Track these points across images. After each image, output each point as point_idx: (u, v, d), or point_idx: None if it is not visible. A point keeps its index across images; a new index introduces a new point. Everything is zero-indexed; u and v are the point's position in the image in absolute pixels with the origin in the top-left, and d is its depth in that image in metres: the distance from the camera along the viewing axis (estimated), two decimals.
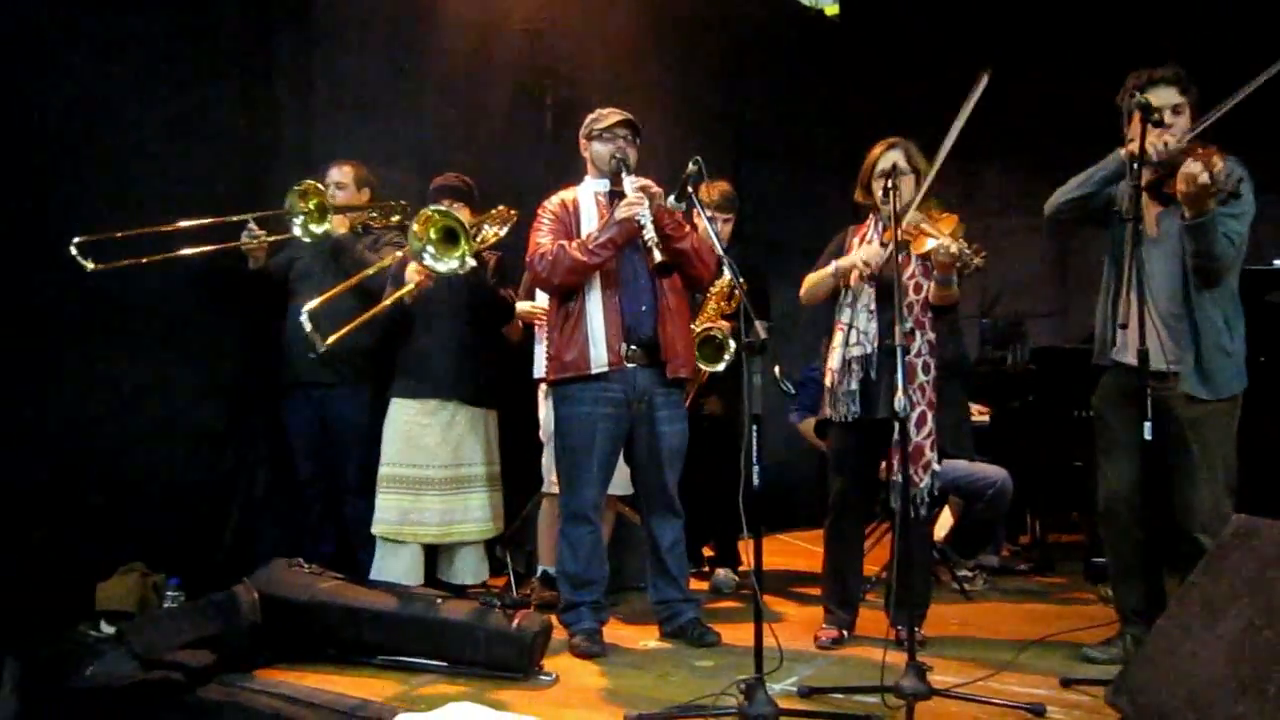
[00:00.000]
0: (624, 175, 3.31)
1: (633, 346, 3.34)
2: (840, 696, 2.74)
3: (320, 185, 3.80)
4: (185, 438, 3.86)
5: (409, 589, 3.30)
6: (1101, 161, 3.07)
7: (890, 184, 2.97)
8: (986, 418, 4.73)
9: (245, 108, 4.09)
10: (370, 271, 3.72)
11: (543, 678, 2.96)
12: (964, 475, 4.20)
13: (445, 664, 3.00)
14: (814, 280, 3.42)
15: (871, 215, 3.42)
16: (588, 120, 3.47)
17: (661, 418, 3.39)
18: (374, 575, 3.68)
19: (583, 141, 3.49)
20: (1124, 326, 2.64)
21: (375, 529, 3.70)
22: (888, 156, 3.31)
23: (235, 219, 3.79)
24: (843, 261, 3.32)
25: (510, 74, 4.99)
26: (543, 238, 3.36)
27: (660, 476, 3.41)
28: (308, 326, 3.47)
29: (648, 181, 3.29)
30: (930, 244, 3.07)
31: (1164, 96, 2.96)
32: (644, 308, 3.36)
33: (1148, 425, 2.62)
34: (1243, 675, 1.81)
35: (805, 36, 6.75)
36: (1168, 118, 2.95)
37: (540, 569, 4.05)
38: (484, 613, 2.99)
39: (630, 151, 3.39)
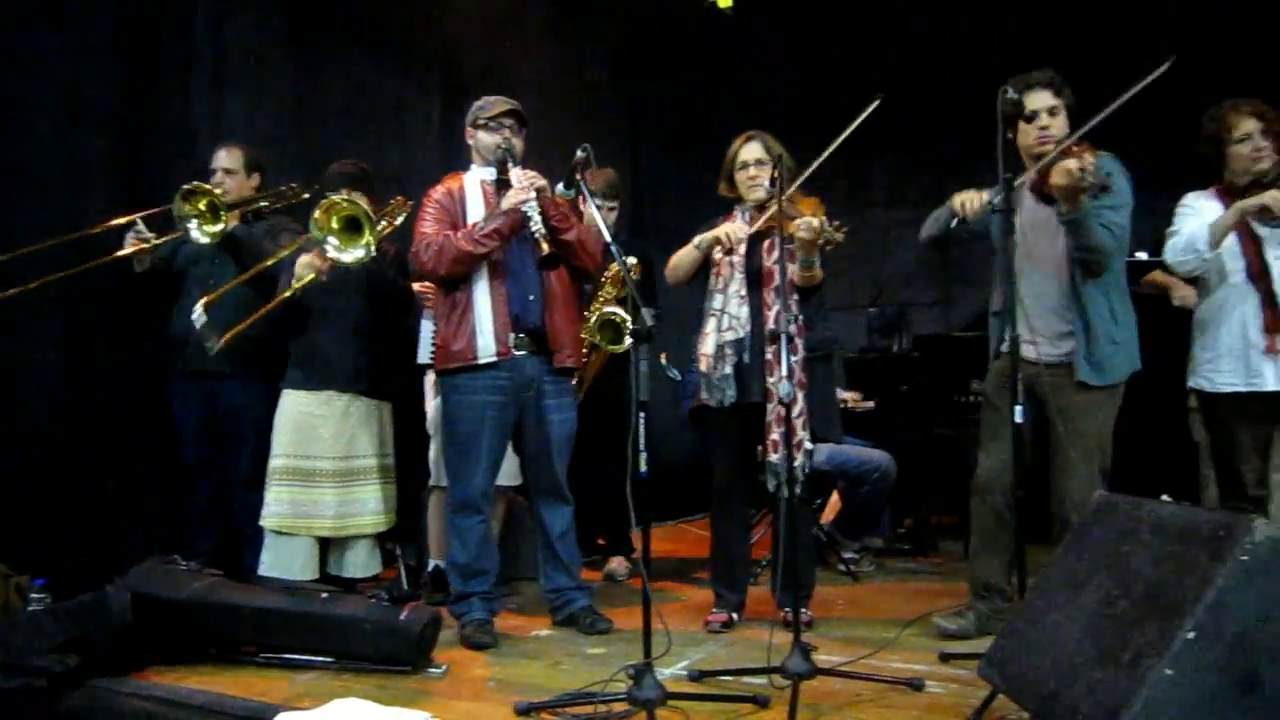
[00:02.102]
0: (510, 165, 3.29)
1: (521, 335, 3.33)
2: (729, 678, 2.78)
3: (206, 185, 3.64)
4: (52, 430, 3.67)
5: (291, 584, 3.23)
6: (938, 211, 3.22)
7: (776, 173, 3.01)
8: (870, 404, 4.86)
9: (126, 87, 3.91)
10: (269, 263, 3.62)
11: (432, 670, 2.92)
12: (849, 460, 4.32)
13: (332, 659, 2.94)
14: (677, 258, 3.47)
15: (736, 207, 3.48)
16: (474, 108, 3.43)
17: (550, 406, 3.38)
18: (264, 570, 3.58)
19: (469, 130, 3.45)
20: (996, 314, 2.76)
21: (266, 521, 3.60)
22: (748, 149, 3.39)
23: (122, 220, 3.62)
24: (706, 235, 3.38)
25: (401, 57, 4.89)
26: (428, 227, 3.33)
27: (549, 465, 3.41)
28: (201, 321, 3.35)
29: (534, 173, 3.28)
30: (797, 222, 3.14)
31: (1040, 99, 3.08)
32: (531, 297, 3.35)
33: (1019, 409, 2.73)
34: (1100, 644, 1.91)
35: (702, 23, 6.80)
36: (1044, 119, 3.08)
37: (431, 564, 4.00)
38: (371, 606, 2.93)
39: (517, 141, 3.37)
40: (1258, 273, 3.11)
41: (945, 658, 2.93)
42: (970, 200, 3.01)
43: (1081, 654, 1.94)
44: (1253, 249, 3.12)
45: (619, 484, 3.15)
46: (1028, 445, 2.90)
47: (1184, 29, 5.04)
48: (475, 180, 3.43)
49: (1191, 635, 1.72)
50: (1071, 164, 2.81)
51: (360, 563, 3.73)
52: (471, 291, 3.31)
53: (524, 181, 3.24)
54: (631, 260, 3.95)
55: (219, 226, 3.60)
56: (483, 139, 3.40)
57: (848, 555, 4.39)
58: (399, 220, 3.78)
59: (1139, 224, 5.34)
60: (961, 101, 2.86)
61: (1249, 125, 3.12)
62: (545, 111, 4.12)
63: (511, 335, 3.31)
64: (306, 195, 3.80)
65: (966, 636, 3.09)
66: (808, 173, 3.25)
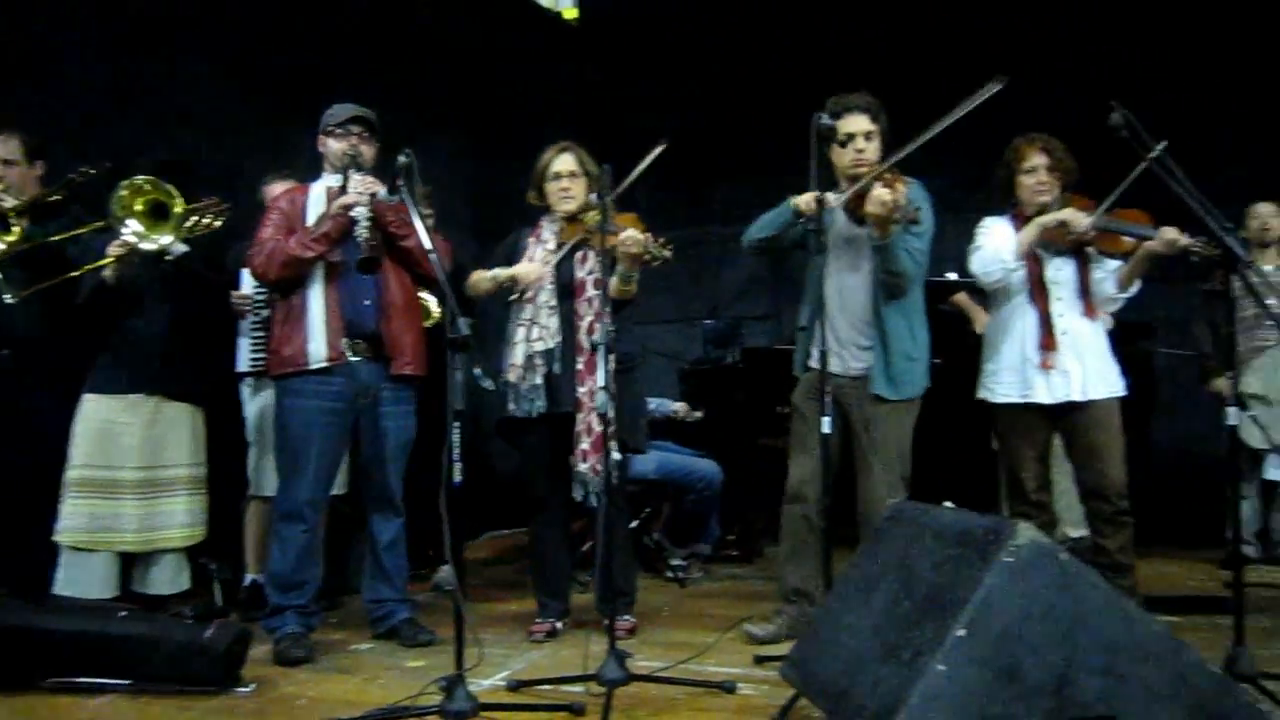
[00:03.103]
0: (352, 171, 3.25)
1: (357, 341, 3.27)
2: (548, 688, 2.79)
3: None
4: None
5: (81, 602, 3.04)
6: (777, 209, 3.29)
7: (600, 188, 3.03)
8: (699, 414, 4.97)
9: None
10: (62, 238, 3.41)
11: (239, 690, 2.81)
12: (677, 469, 4.42)
13: (129, 682, 2.78)
14: (475, 279, 3.47)
15: (544, 217, 3.51)
16: (324, 116, 3.38)
17: (386, 413, 3.34)
18: (59, 588, 3.36)
19: (320, 138, 3.39)
20: (802, 329, 2.88)
21: (60, 537, 3.38)
22: (561, 160, 3.44)
23: None
24: (502, 272, 3.41)
25: (222, 50, 4.69)
26: (265, 232, 3.28)
27: (382, 473, 3.36)
28: None
29: (372, 179, 3.24)
30: (621, 235, 3.18)
31: (856, 124, 3.23)
32: (367, 302, 3.30)
33: (826, 420, 2.86)
34: (886, 643, 2.02)
35: (547, 35, 6.81)
36: (859, 143, 3.23)
37: (248, 578, 3.85)
38: (171, 625, 2.81)
39: (365, 148, 3.33)
40: (1037, 293, 3.34)
41: (760, 660, 3.02)
42: (810, 201, 3.06)
43: (869, 653, 2.04)
44: (1035, 270, 3.36)
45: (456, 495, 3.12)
46: (835, 455, 3.03)
47: (1009, 55, 5.37)
48: (321, 187, 3.38)
49: (962, 633, 1.84)
50: (885, 195, 2.96)
51: (167, 579, 3.56)
52: (305, 296, 3.26)
53: (358, 186, 3.20)
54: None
55: (11, 237, 3.36)
56: (331, 146, 3.36)
57: (675, 562, 4.48)
58: (217, 223, 3.62)
59: (952, 244, 5.72)
60: (800, 122, 2.96)
61: (1036, 159, 3.34)
62: (406, 124, 4.02)
63: (344, 340, 3.25)
64: (93, 171, 3.53)
65: (775, 641, 3.19)
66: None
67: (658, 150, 3.01)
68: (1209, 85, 5.43)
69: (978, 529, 2.00)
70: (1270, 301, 4.03)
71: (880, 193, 2.99)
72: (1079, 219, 3.24)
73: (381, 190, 3.17)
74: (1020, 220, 3.39)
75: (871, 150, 3.22)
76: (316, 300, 3.26)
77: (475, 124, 6.34)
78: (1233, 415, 2.69)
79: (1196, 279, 4.35)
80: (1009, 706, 1.84)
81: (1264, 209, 4.70)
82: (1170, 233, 3.12)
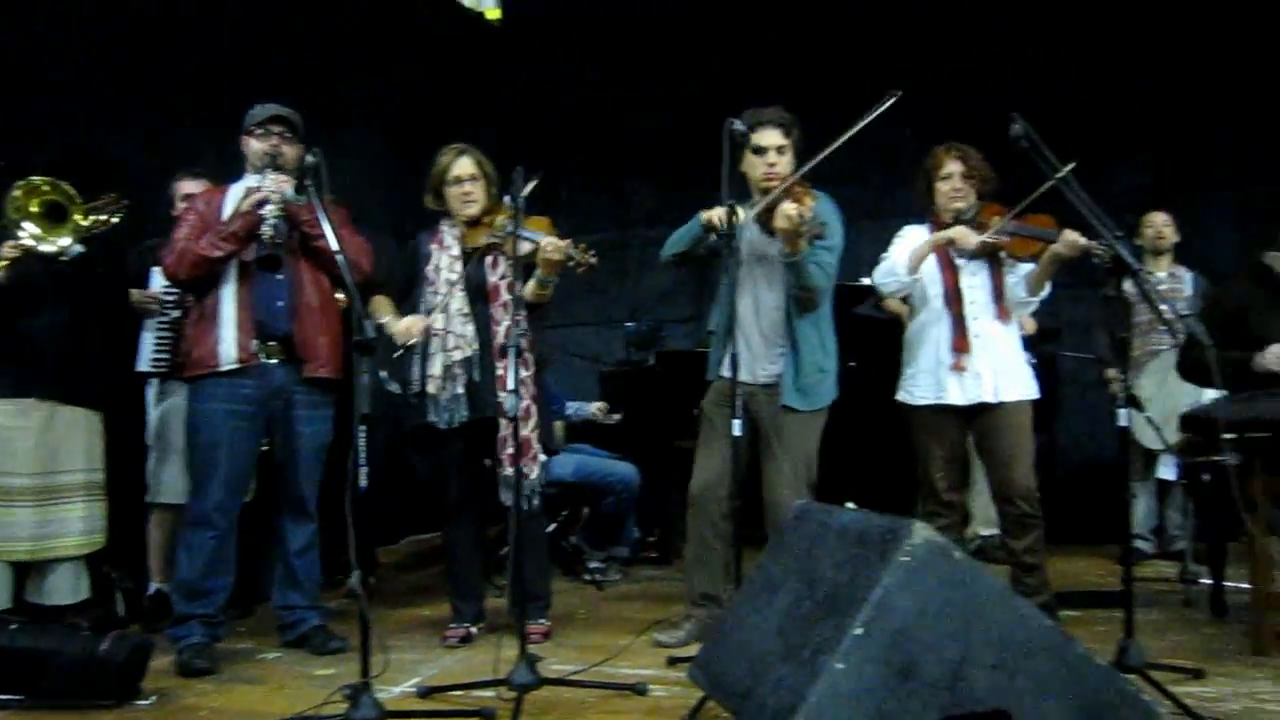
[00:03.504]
0: (268, 171, 3.20)
1: (271, 343, 3.21)
2: (459, 693, 2.77)
3: None
4: None
5: None
6: (688, 224, 3.33)
7: (514, 195, 3.00)
8: (616, 417, 4.99)
9: None
10: None
11: (139, 702, 2.73)
12: (595, 471, 4.43)
13: (21, 698, 2.68)
14: (380, 307, 3.40)
15: (444, 220, 3.49)
16: (246, 116, 3.32)
17: (299, 417, 3.28)
18: None
19: (242, 137, 3.33)
20: (710, 332, 2.91)
21: None
22: (460, 164, 3.41)
23: None
24: (390, 325, 3.34)
25: (133, 45, 4.55)
26: (179, 231, 3.23)
27: (295, 478, 3.31)
28: None
29: (285, 178, 3.20)
30: (531, 244, 3.19)
31: (769, 137, 3.27)
32: (280, 303, 3.24)
33: (737, 423, 2.89)
34: (788, 642, 2.05)
35: (469, 35, 6.76)
36: (771, 157, 3.27)
37: (152, 587, 3.74)
38: (66, 637, 2.71)
39: (288, 149, 3.27)
40: (952, 297, 3.43)
41: (672, 662, 3.04)
42: (719, 215, 3.11)
43: (772, 653, 2.07)
44: (950, 276, 3.44)
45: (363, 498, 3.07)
46: (743, 459, 3.05)
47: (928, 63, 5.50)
48: (240, 188, 3.31)
49: (860, 631, 1.87)
50: (792, 210, 3.00)
51: (65, 588, 3.42)
52: (218, 297, 3.22)
53: (270, 185, 3.16)
54: None
55: None
56: (252, 146, 3.30)
57: (593, 565, 4.48)
58: (115, 219, 3.52)
59: (869, 250, 5.84)
60: (721, 126, 2.98)
61: (952, 166, 3.43)
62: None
63: (255, 342, 3.19)
64: None
65: (683, 646, 3.21)
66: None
67: (530, 185, 2.99)
68: (1114, 93, 5.64)
69: (876, 529, 2.04)
70: (1163, 307, 4.19)
71: (787, 207, 3.03)
72: (967, 238, 3.30)
73: (290, 190, 3.12)
74: (937, 226, 3.47)
75: (783, 164, 3.27)
76: (229, 301, 3.21)
77: (396, 124, 6.26)
78: (1123, 416, 2.79)
79: (1097, 285, 4.51)
80: (905, 702, 1.88)
81: (1159, 218, 4.88)
82: (1071, 235, 3.21)
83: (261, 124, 3.28)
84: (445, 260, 3.40)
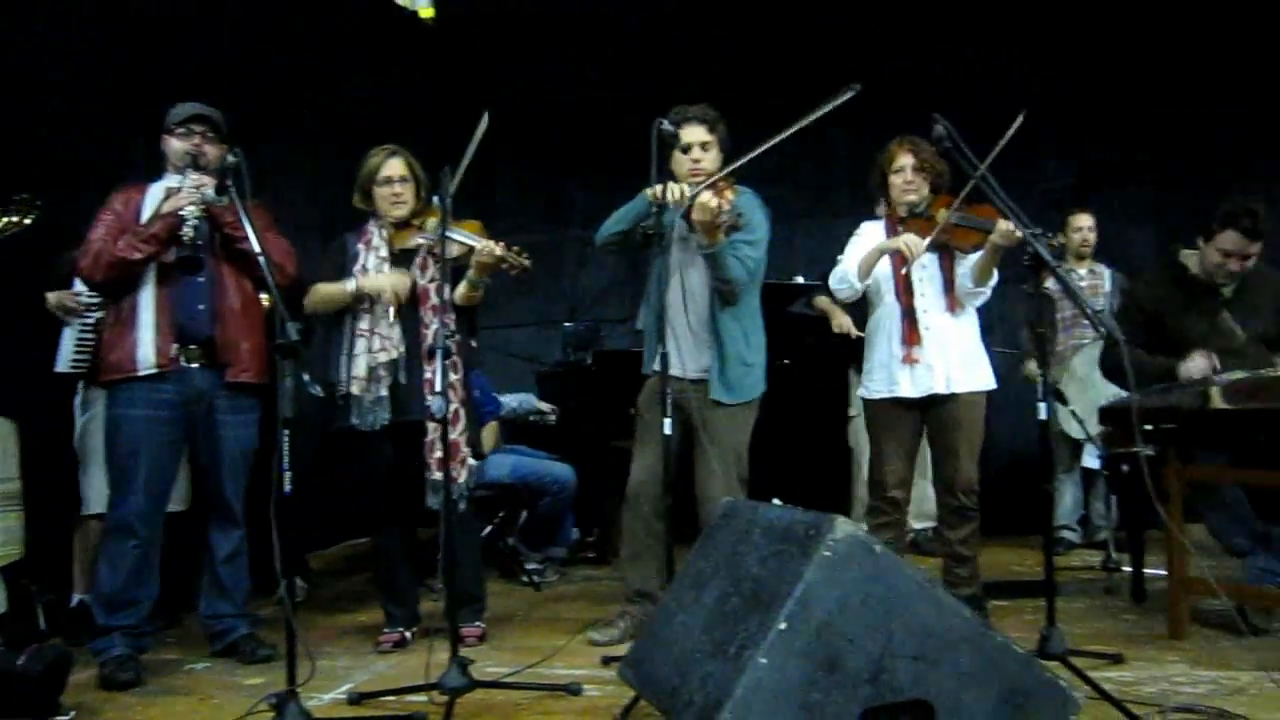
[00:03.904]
0: (189, 171, 3.14)
1: (191, 347, 3.15)
2: (391, 699, 2.74)
3: None
4: None
5: None
6: (631, 202, 3.33)
7: (441, 196, 2.98)
8: (552, 417, 4.98)
9: None
10: None
11: (59, 717, 2.66)
12: (531, 472, 4.41)
13: None
14: (326, 293, 3.37)
15: (372, 221, 3.45)
16: (168, 114, 3.26)
17: (222, 422, 3.22)
18: None
19: (162, 136, 3.26)
20: (639, 331, 2.92)
21: None
22: (390, 164, 3.39)
23: None
24: (369, 283, 3.31)
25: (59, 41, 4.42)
26: (94, 233, 3.14)
27: (219, 484, 3.25)
28: None
29: (206, 179, 3.13)
30: (463, 247, 3.18)
31: (694, 134, 3.28)
32: (201, 306, 3.18)
33: (667, 421, 2.90)
34: (715, 639, 2.06)
35: (402, 34, 6.69)
36: (696, 153, 3.28)
37: (76, 599, 3.65)
38: None
39: (210, 149, 3.22)
40: (902, 290, 3.46)
41: (607, 661, 3.04)
42: (663, 189, 3.09)
43: (700, 649, 2.09)
44: (901, 268, 3.48)
45: (298, 505, 3.03)
46: (674, 455, 3.06)
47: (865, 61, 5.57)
48: (160, 188, 3.24)
49: (783, 626, 1.90)
50: (710, 201, 3.02)
51: None
52: (136, 300, 3.14)
53: (191, 186, 3.10)
54: None
55: None
56: (173, 145, 3.24)
57: (531, 566, 4.47)
58: (27, 220, 3.42)
59: (803, 250, 5.90)
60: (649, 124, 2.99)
61: (904, 160, 3.45)
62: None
63: (175, 346, 3.13)
64: None
65: (617, 644, 3.21)
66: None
67: (482, 127, 2.95)
68: (1040, 94, 5.76)
69: (800, 525, 2.06)
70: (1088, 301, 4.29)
71: (704, 198, 3.05)
72: (915, 247, 3.33)
73: (210, 190, 3.06)
74: (893, 221, 3.50)
75: (708, 161, 3.28)
76: (147, 304, 3.15)
77: (327, 124, 6.17)
78: (1043, 410, 2.86)
79: (1023, 281, 4.61)
80: (829, 695, 1.91)
81: (1084, 220, 5.01)
82: (1005, 225, 3.24)
83: (183, 123, 3.22)
84: (373, 261, 3.37)
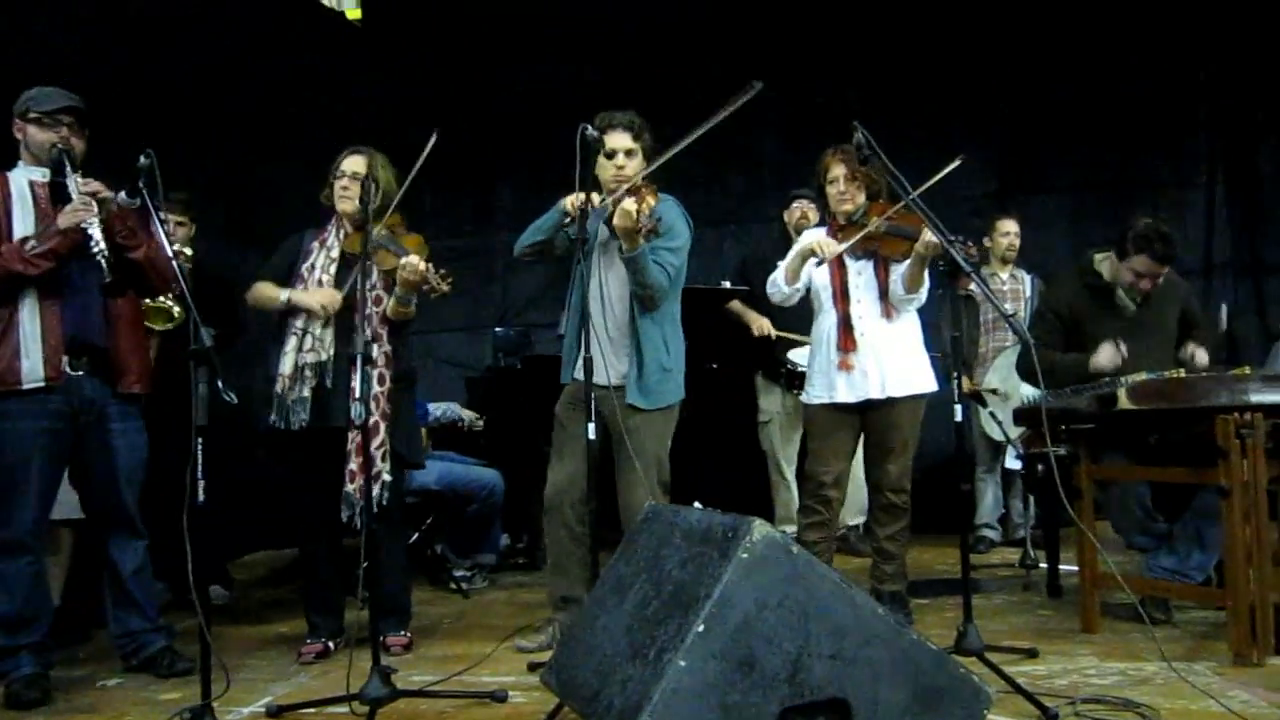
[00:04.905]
0: (69, 172, 2.98)
1: (82, 358, 3.04)
2: (311, 711, 2.70)
3: None
4: None
5: None
6: (547, 213, 3.33)
7: (364, 203, 2.95)
8: (480, 423, 4.94)
9: None
10: None
11: None
12: (458, 478, 4.38)
13: None
14: (263, 296, 3.37)
15: (334, 219, 3.44)
16: (24, 98, 3.08)
17: (115, 430, 3.11)
18: None
19: (16, 121, 3.08)
20: (561, 337, 2.92)
21: None
22: (350, 161, 3.38)
23: None
24: (302, 299, 3.30)
25: None
26: None
27: (117, 495, 3.12)
28: None
29: (99, 185, 2.99)
30: (402, 261, 3.18)
31: (619, 140, 3.29)
32: (92, 317, 3.06)
33: (591, 426, 2.90)
34: (635, 642, 2.07)
35: (328, 34, 6.59)
36: (620, 159, 3.29)
37: None
38: None
39: (77, 142, 3.07)
40: (839, 297, 3.52)
41: (533, 668, 3.03)
42: (576, 200, 3.11)
43: (620, 654, 2.09)
44: (838, 276, 3.53)
45: (210, 512, 2.96)
46: (596, 461, 3.06)
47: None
48: (23, 180, 3.07)
49: (702, 628, 1.91)
50: (629, 206, 3.04)
51: None
52: (17, 310, 2.97)
53: (84, 194, 2.95)
54: None
55: None
56: (34, 135, 3.05)
57: (459, 573, 4.43)
58: None
59: (732, 255, 5.94)
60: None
61: (837, 170, 3.52)
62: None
63: (65, 358, 3.01)
64: None
65: (544, 651, 3.20)
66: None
67: (431, 143, 2.96)
68: (963, 98, 5.92)
69: (719, 527, 2.08)
70: (1007, 306, 4.41)
71: (625, 203, 3.06)
72: (827, 247, 3.39)
73: (110, 194, 2.95)
74: (833, 228, 3.56)
75: (632, 167, 3.29)
76: (31, 315, 2.98)
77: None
78: (959, 411, 2.93)
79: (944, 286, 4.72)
80: (747, 695, 1.93)
81: (1010, 225, 5.12)
82: (927, 235, 3.31)
83: (50, 113, 3.05)
84: (322, 260, 3.37)
